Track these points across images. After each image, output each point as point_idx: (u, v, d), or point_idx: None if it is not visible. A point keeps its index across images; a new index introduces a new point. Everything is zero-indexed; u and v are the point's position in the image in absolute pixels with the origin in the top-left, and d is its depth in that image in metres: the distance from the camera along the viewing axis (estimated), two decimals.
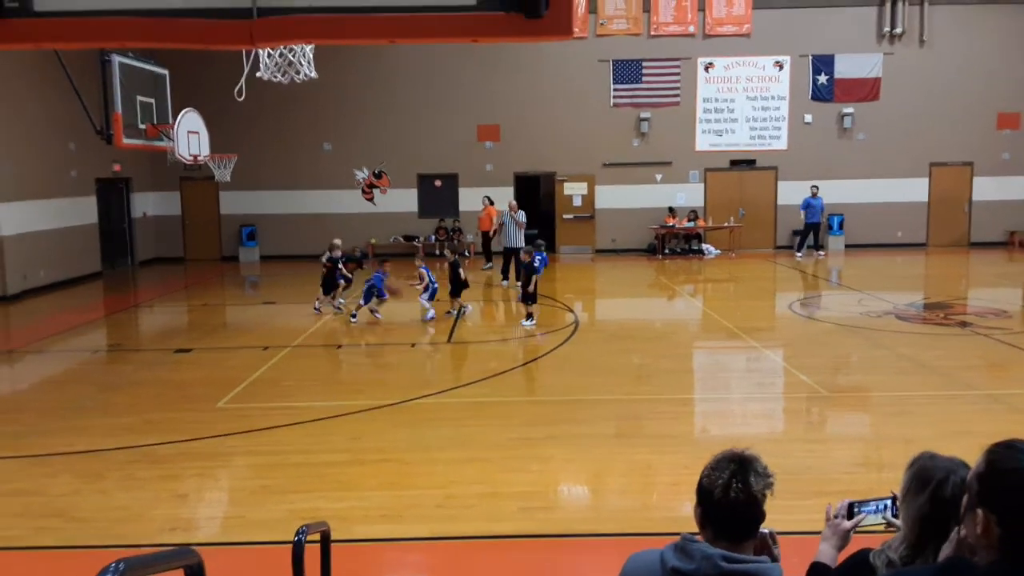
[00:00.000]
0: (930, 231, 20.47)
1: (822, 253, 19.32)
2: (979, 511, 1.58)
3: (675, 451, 6.19)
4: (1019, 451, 1.59)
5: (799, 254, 19.18)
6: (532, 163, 20.34)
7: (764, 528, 2.07)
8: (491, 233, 17.35)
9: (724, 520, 1.94)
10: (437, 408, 7.40)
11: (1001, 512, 1.53)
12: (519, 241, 14.64)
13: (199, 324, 12.77)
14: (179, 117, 10.83)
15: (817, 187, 19.28)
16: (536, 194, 21.91)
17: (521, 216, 15.15)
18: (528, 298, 11.02)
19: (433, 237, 19.91)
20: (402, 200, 19.88)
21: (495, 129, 20.17)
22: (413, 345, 10.41)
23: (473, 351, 10.14)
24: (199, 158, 11.57)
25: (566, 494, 5.76)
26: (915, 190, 20.32)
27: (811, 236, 19.31)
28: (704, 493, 1.97)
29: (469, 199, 19.61)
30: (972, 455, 5.26)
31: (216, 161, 15.36)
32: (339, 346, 10.27)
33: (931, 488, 2.02)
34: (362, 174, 15.77)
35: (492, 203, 17.84)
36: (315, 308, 12.30)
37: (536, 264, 11.23)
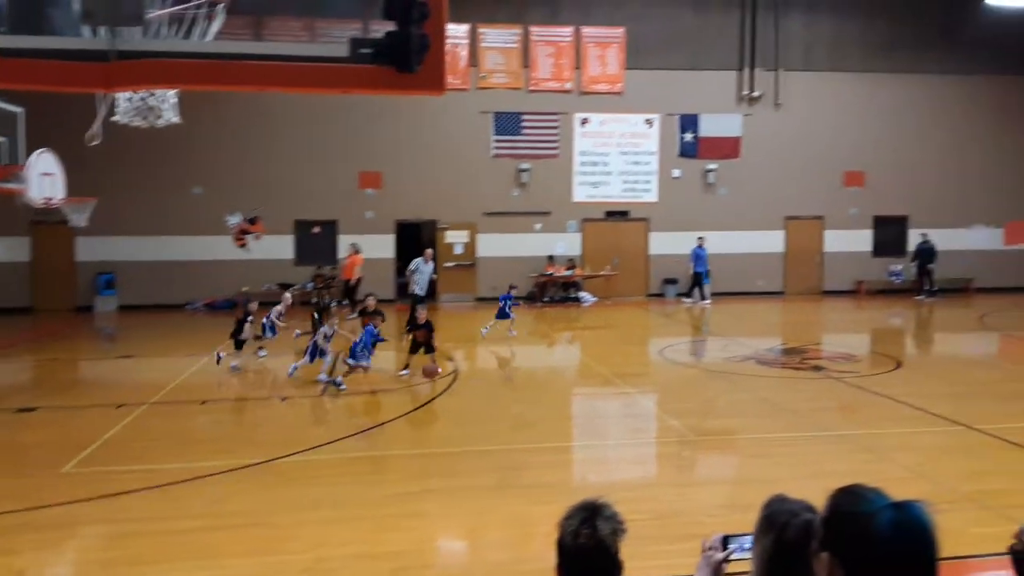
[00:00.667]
0: (787, 280, 21.93)
1: (708, 302, 19.91)
2: (823, 555, 1.63)
3: (553, 500, 6.16)
4: (859, 496, 1.64)
5: (688, 301, 20.00)
6: (414, 211, 20.34)
7: None
8: (352, 282, 17.21)
9: (577, 568, 1.94)
10: (308, 466, 7.09)
11: (843, 556, 1.58)
12: (425, 291, 14.96)
13: (45, 380, 11.77)
14: (32, 158, 10.11)
15: (703, 238, 20.29)
16: (418, 242, 21.88)
17: (432, 267, 15.21)
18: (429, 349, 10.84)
19: (310, 285, 19.39)
20: (278, 247, 19.31)
21: (376, 176, 20.07)
22: (284, 399, 9.99)
23: (349, 403, 9.85)
24: (52, 202, 10.81)
25: (441, 551, 5.63)
26: (773, 242, 21.78)
27: (699, 284, 20.18)
28: (559, 542, 1.98)
29: (354, 246, 19.28)
30: (825, 495, 5.52)
31: (72, 205, 14.39)
32: (202, 402, 9.71)
33: (776, 531, 2.08)
34: (235, 219, 15.22)
35: (358, 251, 17.71)
36: (230, 364, 11.38)
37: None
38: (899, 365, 11.89)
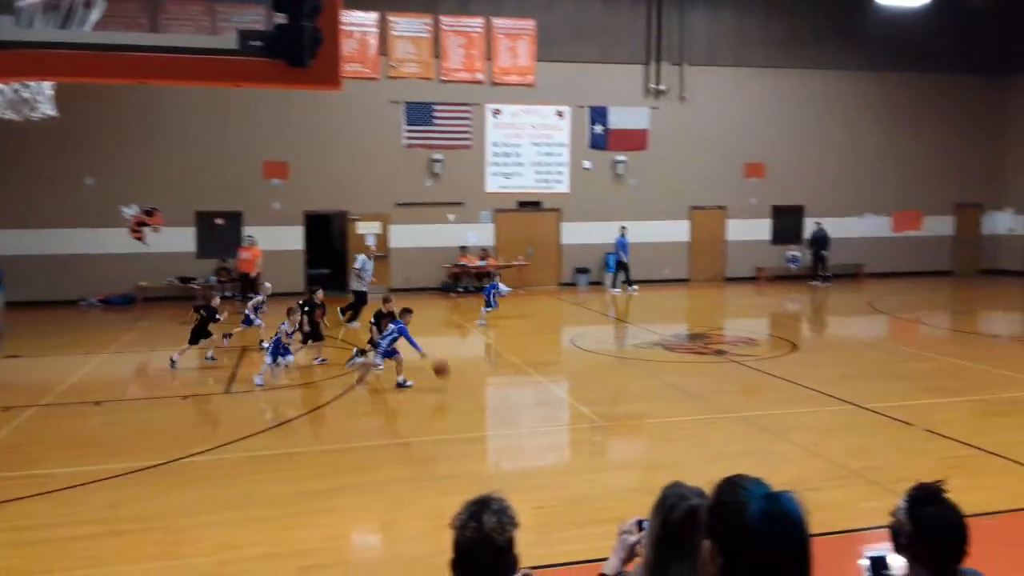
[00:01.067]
0: (692, 268, 22.65)
1: (635, 288, 20.13)
2: (706, 542, 1.69)
3: (466, 491, 6.17)
4: (741, 486, 1.68)
5: (615, 290, 20.38)
6: (323, 202, 19.89)
7: (524, 570, 2.11)
8: (252, 275, 16.78)
9: (466, 563, 1.97)
10: (210, 466, 6.86)
11: (722, 544, 1.62)
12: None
13: None
14: None
15: (625, 227, 20.70)
16: (328, 233, 21.44)
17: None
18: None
19: (213, 279, 18.71)
20: (178, 239, 18.55)
21: (283, 166, 19.52)
22: (185, 397, 9.62)
23: (255, 400, 9.58)
24: None
25: (353, 547, 5.57)
26: (678, 231, 22.44)
27: (623, 272, 20.52)
28: (453, 538, 2.00)
29: (256, 238, 18.69)
30: (734, 473, 5.69)
31: None
32: (97, 403, 9.23)
33: (663, 514, 2.14)
34: (131, 211, 14.54)
35: (254, 244, 17.33)
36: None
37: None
38: (795, 348, 12.48)
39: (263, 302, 12.61)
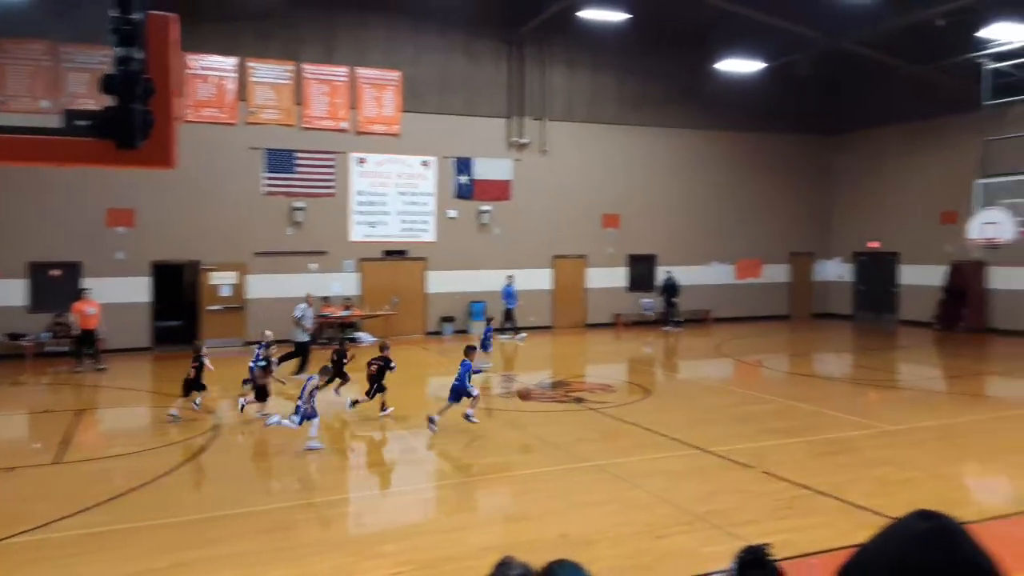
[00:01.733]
0: (555, 315, 23.30)
1: (523, 335, 20.70)
2: None
3: (323, 560, 6.01)
4: (572, 568, 1.78)
5: (504, 337, 20.57)
6: (173, 251, 18.95)
7: None
8: (92, 331, 15.64)
9: None
10: (34, 547, 6.27)
11: None
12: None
13: None
14: None
15: (512, 276, 21.19)
16: (178, 284, 20.43)
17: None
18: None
19: (47, 335, 17.26)
20: (7, 292, 17.08)
21: (128, 214, 18.46)
22: (10, 470, 8.77)
23: (89, 471, 8.87)
24: None
25: None
26: (542, 279, 23.06)
27: (510, 321, 20.85)
28: None
29: (95, 290, 17.43)
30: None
31: None
32: None
33: None
34: None
35: (90, 296, 16.21)
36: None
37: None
38: (648, 393, 13.06)
39: (270, 351, 12.31)
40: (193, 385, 11.23)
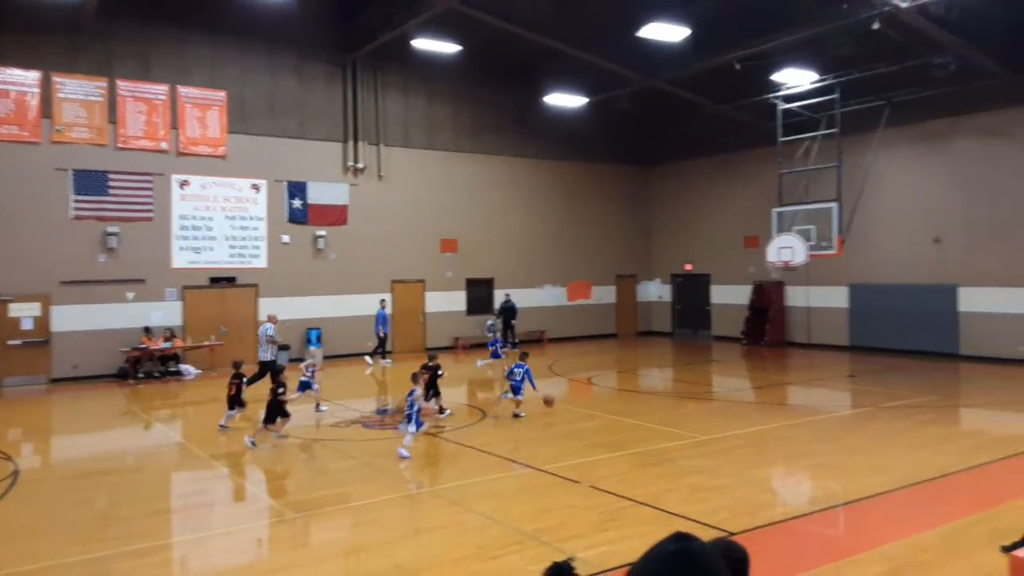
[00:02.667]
0: (394, 339, 23.18)
1: (388, 361, 20.83)
2: None
3: None
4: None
5: (385, 362, 20.68)
6: None
7: None
8: None
9: None
10: None
11: None
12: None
13: None
14: None
15: (384, 300, 21.24)
16: None
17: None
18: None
19: None
20: None
21: None
22: None
23: None
24: None
25: None
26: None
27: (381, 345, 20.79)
28: None
29: None
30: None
31: None
32: None
33: None
34: None
35: None
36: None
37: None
38: (484, 415, 13.34)
39: (314, 365, 13.25)
40: (235, 401, 12.29)
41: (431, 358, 13.21)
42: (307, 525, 7.96)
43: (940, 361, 19.83)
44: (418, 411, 10.42)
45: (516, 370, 13.00)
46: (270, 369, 14.53)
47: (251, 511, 8.56)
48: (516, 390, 12.76)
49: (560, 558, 2.83)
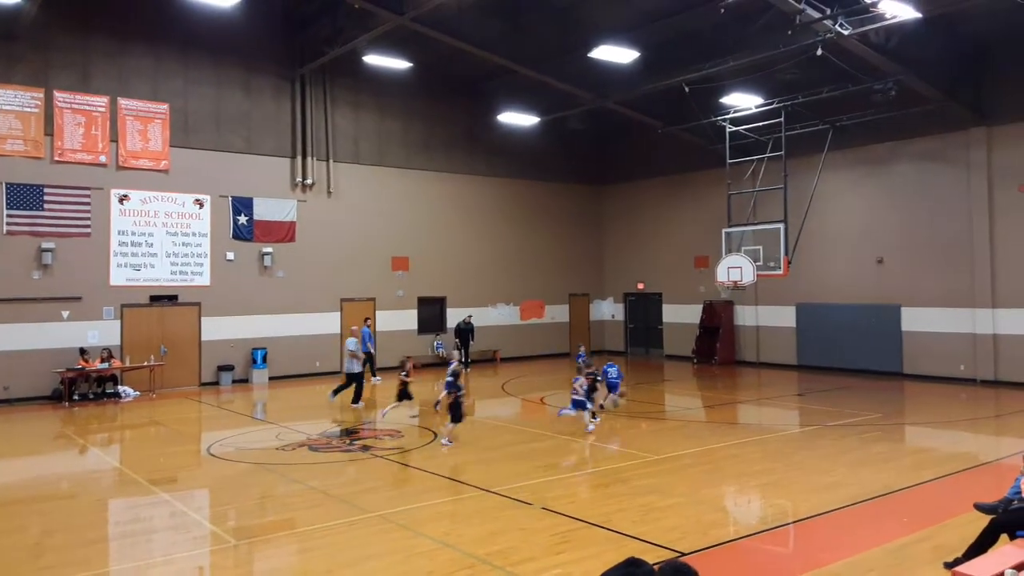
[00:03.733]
0: (342, 360, 22.69)
1: (378, 379, 20.57)
2: None
3: None
4: None
5: (375, 380, 20.43)
6: None
7: None
8: None
9: None
10: None
11: None
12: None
13: None
14: None
15: (369, 319, 21.17)
16: None
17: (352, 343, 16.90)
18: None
19: None
20: None
21: None
22: None
23: None
24: None
25: None
26: (329, 323, 22.48)
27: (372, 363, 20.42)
28: None
29: None
30: None
31: None
32: None
33: None
34: None
35: None
36: None
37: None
38: (436, 436, 13.11)
39: (458, 372, 13.48)
40: (404, 394, 14.48)
41: (589, 367, 15.05)
42: (251, 552, 7.63)
43: (885, 379, 20.29)
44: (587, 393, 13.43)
45: (610, 369, 15.47)
46: (356, 381, 16.55)
47: (192, 538, 8.16)
48: (612, 387, 15.34)
49: None
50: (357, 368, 16.63)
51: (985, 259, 19.11)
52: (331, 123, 22.67)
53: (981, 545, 6.22)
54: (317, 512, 8.70)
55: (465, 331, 24.07)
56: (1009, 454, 11.32)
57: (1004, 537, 6.26)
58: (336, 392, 16.72)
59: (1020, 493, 6.45)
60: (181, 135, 20.00)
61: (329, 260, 22.37)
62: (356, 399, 16.44)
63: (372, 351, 20.57)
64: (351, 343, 16.86)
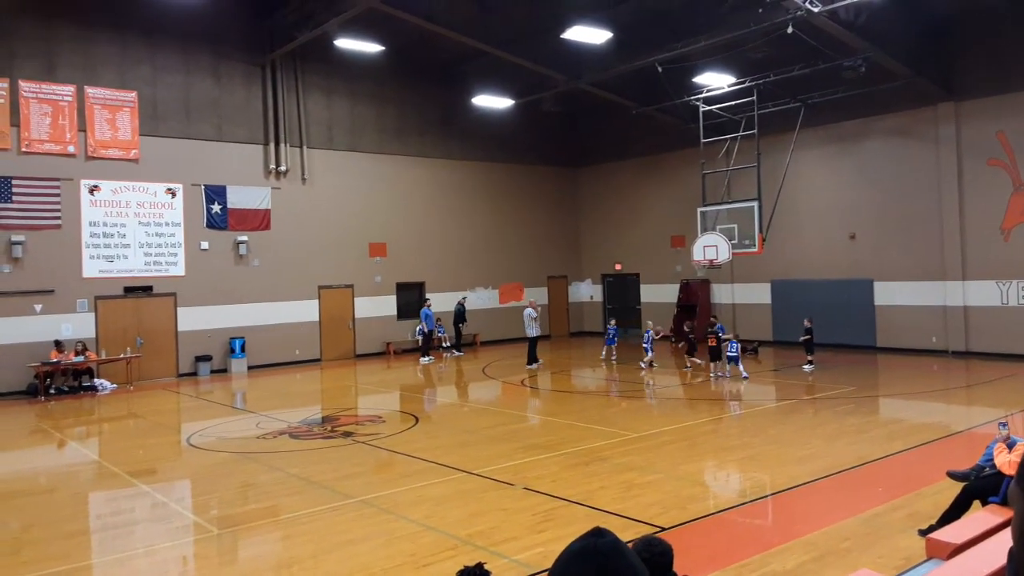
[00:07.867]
0: (323, 347, 22.69)
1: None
2: None
3: None
4: None
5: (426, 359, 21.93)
6: None
7: None
8: None
9: None
10: None
11: None
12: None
13: None
14: None
15: (429, 299, 22.55)
16: None
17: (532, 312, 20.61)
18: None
19: None
20: None
21: None
22: None
23: None
24: None
25: None
26: (308, 310, 22.37)
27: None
28: None
29: None
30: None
31: None
32: None
33: None
34: None
35: None
36: None
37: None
38: (417, 421, 13.15)
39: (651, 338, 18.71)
40: (716, 354, 17.48)
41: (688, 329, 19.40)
42: (234, 541, 7.64)
43: (859, 353, 20.62)
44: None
45: (730, 343, 17.42)
46: (533, 343, 20.28)
47: (175, 528, 8.15)
48: (735, 361, 17.29)
49: (498, 561, 2.74)
50: (534, 332, 20.35)
51: (955, 232, 19.43)
52: (303, 109, 22.43)
53: (954, 512, 6.39)
54: (299, 499, 8.71)
55: (457, 314, 24.01)
56: (980, 423, 11.60)
57: (976, 503, 6.43)
58: (531, 362, 19.93)
59: (992, 460, 6.62)
60: (150, 123, 19.71)
61: (305, 247, 22.22)
62: (531, 360, 19.84)
63: (435, 330, 22.57)
64: (533, 311, 20.64)
